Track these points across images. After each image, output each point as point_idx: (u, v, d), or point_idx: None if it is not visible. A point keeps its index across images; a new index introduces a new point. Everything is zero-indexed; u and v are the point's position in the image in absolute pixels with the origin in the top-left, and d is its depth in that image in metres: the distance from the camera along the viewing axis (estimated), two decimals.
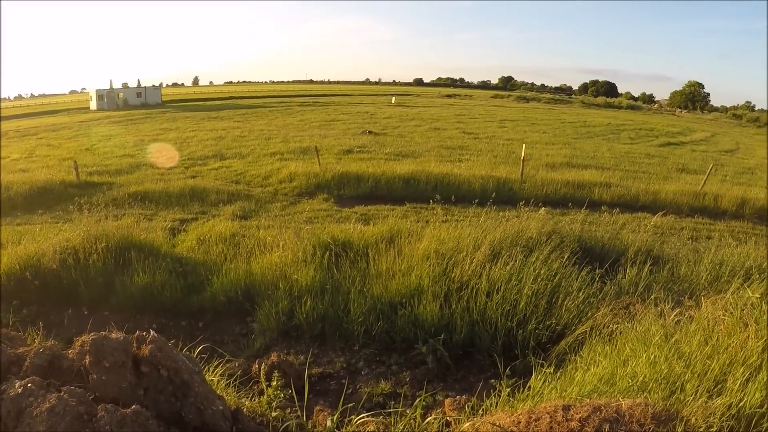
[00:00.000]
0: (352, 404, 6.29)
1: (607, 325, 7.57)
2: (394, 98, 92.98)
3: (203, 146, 33.87)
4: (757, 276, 9.30)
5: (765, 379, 4.46)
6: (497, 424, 4.43)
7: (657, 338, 6.16)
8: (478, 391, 6.87)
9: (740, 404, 4.25)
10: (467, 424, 4.75)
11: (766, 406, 4.14)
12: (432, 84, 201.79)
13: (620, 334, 7.05)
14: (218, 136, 39.00)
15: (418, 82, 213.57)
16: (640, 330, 6.76)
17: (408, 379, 7.91)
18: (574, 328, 8.13)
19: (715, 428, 3.91)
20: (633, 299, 8.37)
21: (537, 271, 9.36)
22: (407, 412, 5.52)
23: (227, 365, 7.48)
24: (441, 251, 10.17)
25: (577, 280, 9.34)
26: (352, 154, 30.39)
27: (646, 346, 6.08)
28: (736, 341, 5.29)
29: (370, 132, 40.98)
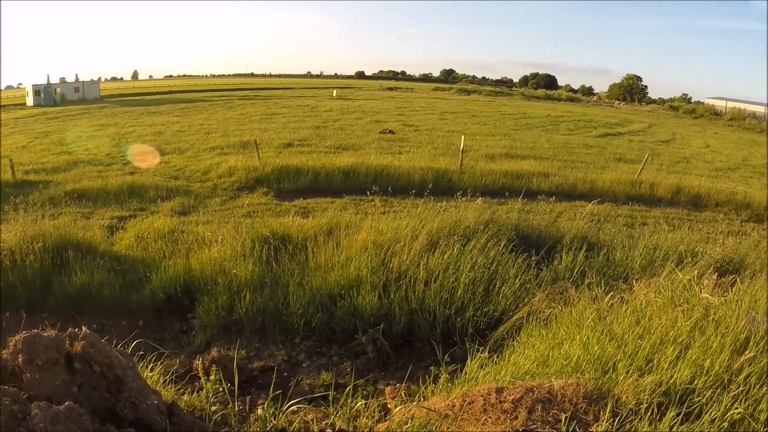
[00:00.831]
0: (294, 396, 6.28)
1: (543, 310, 7.68)
2: (335, 91, 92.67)
3: (142, 142, 33.35)
4: (690, 259, 9.57)
5: (694, 357, 4.58)
6: (433, 408, 4.48)
7: (590, 321, 6.28)
8: (419, 378, 6.93)
9: (670, 381, 4.36)
10: (403, 409, 4.80)
11: (695, 383, 4.25)
12: (374, 77, 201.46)
13: (556, 318, 7.18)
14: (157, 131, 38.46)
15: (360, 75, 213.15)
16: (575, 314, 6.88)
17: (349, 370, 7.94)
18: (511, 314, 8.25)
19: (645, 405, 3.99)
20: (568, 284, 8.51)
21: (474, 260, 9.47)
22: (347, 401, 5.54)
23: (168, 363, 7.41)
24: (379, 242, 10.21)
25: (513, 267, 9.48)
26: (292, 148, 30.25)
27: (580, 328, 6.19)
28: (666, 321, 5.42)
29: (390, 131, 39.79)
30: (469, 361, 6.49)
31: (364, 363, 8.17)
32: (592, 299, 7.21)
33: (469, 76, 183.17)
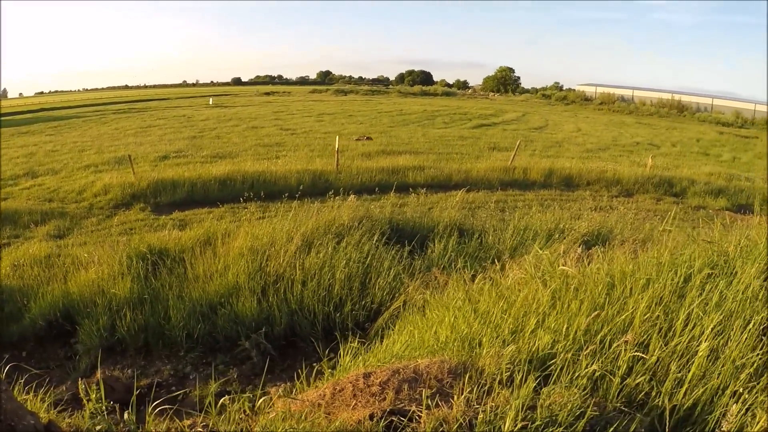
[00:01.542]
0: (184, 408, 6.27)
1: (417, 298, 7.94)
2: (211, 99, 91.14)
3: (13, 165, 32.00)
4: (558, 236, 10.04)
5: (553, 324, 4.87)
6: (306, 400, 4.62)
7: (458, 302, 6.55)
8: (304, 376, 7.03)
9: (533, 348, 4.62)
10: (280, 404, 4.92)
11: (555, 347, 4.51)
12: (251, 82, 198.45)
13: (428, 304, 7.44)
14: (29, 153, 36.97)
15: (237, 82, 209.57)
16: (446, 297, 7.15)
17: (236, 376, 7.97)
18: (389, 304, 8.46)
19: (507, 373, 4.22)
20: (441, 270, 8.82)
21: (349, 256, 9.61)
22: (232, 406, 5.60)
23: (54, 390, 7.26)
24: (256, 247, 10.24)
25: (387, 259, 9.69)
26: (168, 160, 29.70)
27: (449, 310, 6.46)
28: (529, 295, 5.73)
29: (368, 138, 39.02)
30: (341, 352, 6.68)
31: (250, 368, 8.21)
32: (463, 282, 7.49)
33: (346, 76, 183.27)
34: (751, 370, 4.02)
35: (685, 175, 28.65)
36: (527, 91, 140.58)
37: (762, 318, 4.36)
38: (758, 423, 3.64)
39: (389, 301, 8.60)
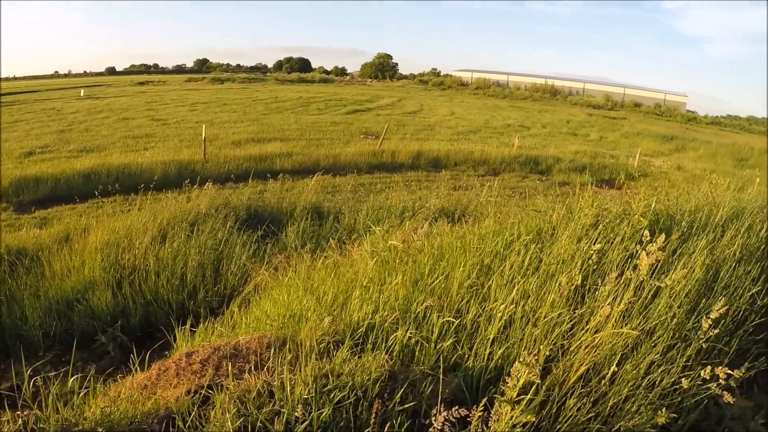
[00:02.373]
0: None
1: (267, 280, 8.08)
2: (83, 90, 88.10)
3: None
4: (409, 213, 10.34)
5: (375, 296, 5.05)
6: (134, 383, 4.68)
7: (296, 281, 6.73)
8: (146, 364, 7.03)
9: (353, 320, 4.79)
10: (113, 391, 4.95)
11: (375, 318, 4.67)
12: (125, 72, 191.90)
13: (273, 285, 7.59)
14: None
15: (111, 71, 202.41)
16: (292, 277, 7.30)
17: (94, 372, 7.91)
18: (241, 289, 8.58)
19: (324, 343, 4.37)
20: (295, 252, 8.98)
21: (202, 243, 9.65)
22: (86, 399, 5.57)
23: None
24: (112, 241, 10.13)
25: (239, 245, 9.77)
26: (33, 156, 28.46)
27: (288, 289, 6.63)
28: (360, 269, 5.94)
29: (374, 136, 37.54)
30: (178, 334, 6.76)
31: (108, 362, 8.09)
32: (303, 261, 7.67)
33: (223, 64, 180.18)
34: (566, 327, 4.29)
35: (552, 154, 29.75)
36: (405, 77, 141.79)
37: (574, 278, 4.65)
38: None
39: (242, 285, 8.69)
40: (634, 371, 4.03)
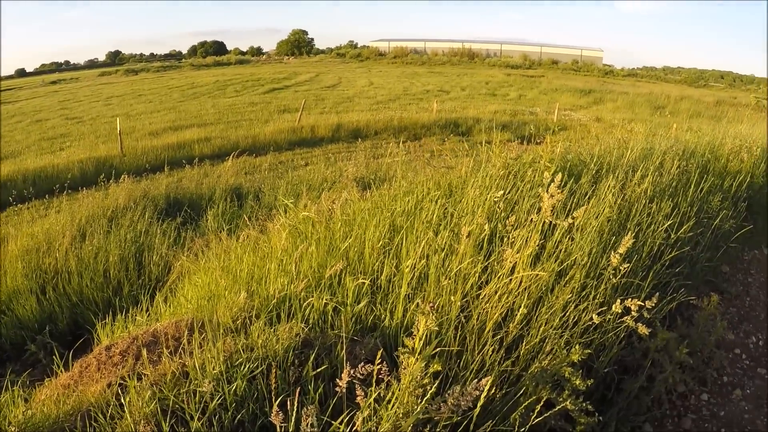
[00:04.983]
0: None
1: (189, 266, 8.01)
2: None
3: None
4: (328, 185, 10.35)
5: (290, 266, 5.05)
6: (59, 384, 4.62)
7: (215, 262, 6.70)
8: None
9: (271, 291, 4.76)
10: (38, 395, 4.88)
11: (289, 289, 4.67)
12: (36, 72, 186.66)
13: (194, 270, 7.53)
14: None
15: (21, 73, 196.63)
16: (211, 259, 7.26)
17: (27, 383, 7.76)
18: (166, 278, 8.49)
19: (240, 319, 4.36)
20: (213, 235, 8.93)
21: (123, 237, 9.50)
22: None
23: None
24: (32, 246, 9.93)
25: (159, 234, 9.65)
26: None
27: (206, 272, 6.59)
28: (276, 243, 5.92)
29: None
30: (99, 330, 6.69)
31: (42, 370, 7.98)
32: (228, 241, 7.63)
33: (137, 54, 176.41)
34: (475, 279, 4.34)
35: (471, 115, 30.03)
36: (322, 51, 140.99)
37: (482, 229, 4.71)
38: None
39: (166, 275, 8.60)
40: (549, 313, 4.11)
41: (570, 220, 4.37)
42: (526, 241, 4.34)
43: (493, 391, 3.63)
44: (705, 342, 5.72)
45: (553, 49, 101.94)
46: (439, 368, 2.96)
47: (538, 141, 7.74)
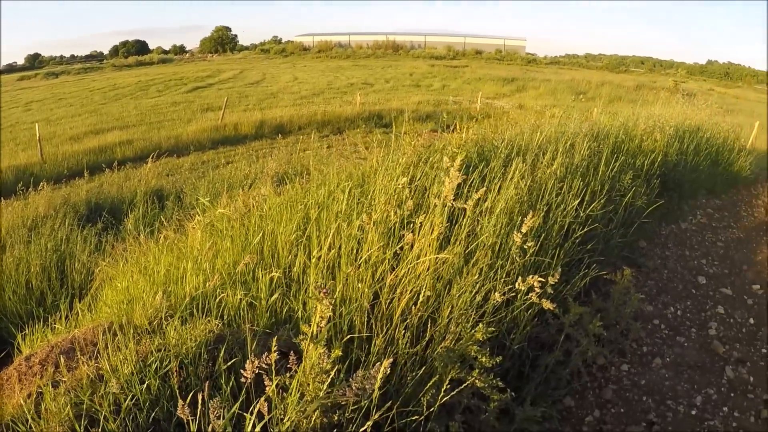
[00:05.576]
0: None
1: (110, 271, 7.91)
2: None
3: None
4: (249, 182, 10.34)
5: (205, 264, 5.06)
6: None
7: (134, 265, 6.66)
8: None
9: (188, 290, 4.78)
10: None
11: (209, 287, 4.67)
12: None
13: (116, 274, 7.45)
14: None
15: None
16: (128, 263, 7.20)
17: None
18: (89, 285, 8.36)
19: (157, 319, 4.36)
20: (133, 239, 8.84)
21: (43, 246, 9.32)
22: None
23: None
24: None
25: (83, 241, 9.53)
26: None
27: (125, 275, 6.54)
28: (191, 242, 5.93)
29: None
30: (20, 342, 6.58)
31: None
32: (147, 244, 7.59)
33: (57, 57, 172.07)
34: (385, 266, 4.43)
35: (395, 107, 30.23)
36: (246, 48, 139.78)
37: (389, 216, 4.78)
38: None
39: (89, 282, 8.47)
40: (458, 295, 4.20)
41: (471, 203, 4.47)
42: (431, 225, 4.41)
43: (401, 371, 3.72)
44: (621, 314, 5.92)
45: (477, 39, 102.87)
46: (339, 353, 3.00)
47: (460, 129, 7.85)
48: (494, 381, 3.72)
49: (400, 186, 5.17)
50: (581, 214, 6.36)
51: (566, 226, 6.03)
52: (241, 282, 4.64)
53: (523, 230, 4.30)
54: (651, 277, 7.66)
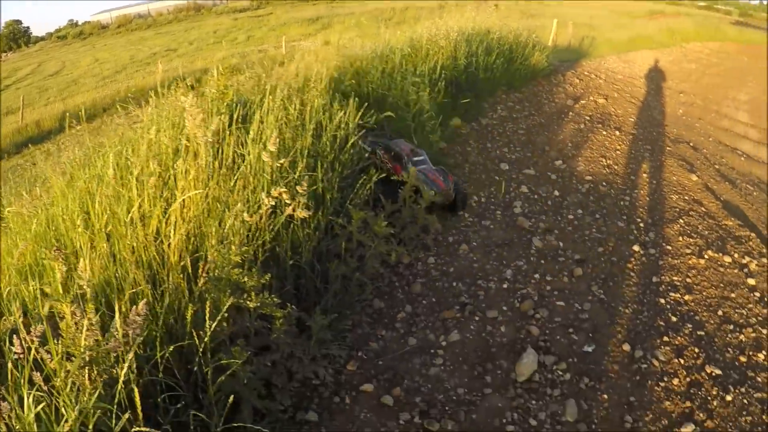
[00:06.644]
0: None
1: None
2: None
3: None
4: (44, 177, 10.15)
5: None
6: None
7: None
8: None
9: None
10: None
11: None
12: None
13: None
14: None
15: None
16: None
17: None
18: None
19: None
20: None
21: None
22: None
23: None
24: None
25: None
26: None
27: None
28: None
29: None
30: None
31: None
32: None
33: None
34: (156, 220, 4.40)
35: (199, 67, 29.52)
36: (42, 38, 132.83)
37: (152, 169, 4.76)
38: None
39: None
40: (219, 224, 4.34)
41: (215, 137, 4.53)
42: (186, 169, 4.44)
43: (180, 312, 3.76)
44: (416, 213, 6.13)
45: None
46: (94, 306, 2.94)
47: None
48: (271, 298, 3.73)
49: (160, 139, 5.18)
50: (350, 125, 6.65)
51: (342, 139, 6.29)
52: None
53: (271, 148, 4.35)
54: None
